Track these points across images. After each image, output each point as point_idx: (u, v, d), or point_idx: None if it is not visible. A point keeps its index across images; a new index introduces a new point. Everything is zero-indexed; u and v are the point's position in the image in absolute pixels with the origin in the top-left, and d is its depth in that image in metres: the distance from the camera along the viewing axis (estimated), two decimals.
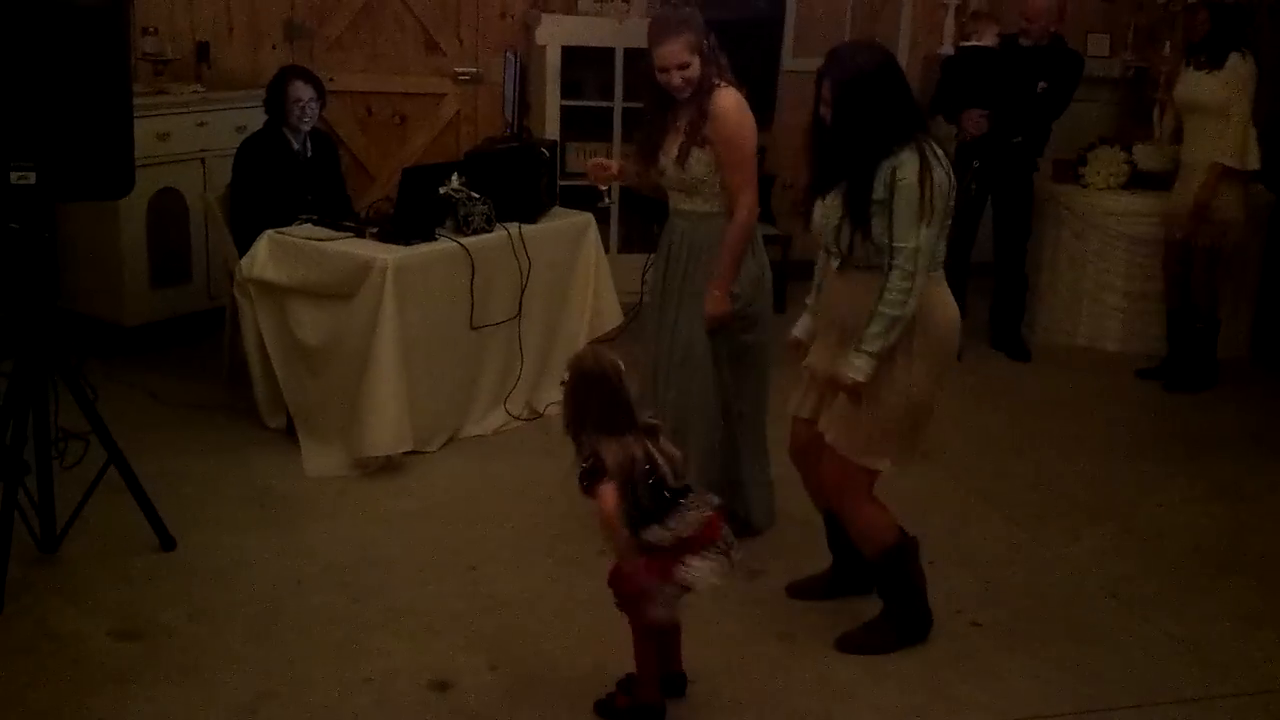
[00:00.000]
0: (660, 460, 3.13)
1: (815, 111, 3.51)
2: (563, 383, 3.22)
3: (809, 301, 3.78)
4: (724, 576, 3.17)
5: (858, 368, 3.40)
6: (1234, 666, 3.68)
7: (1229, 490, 4.91)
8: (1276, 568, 4.29)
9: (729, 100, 3.97)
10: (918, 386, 3.46)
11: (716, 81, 3.98)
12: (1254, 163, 5.74)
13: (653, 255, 4.32)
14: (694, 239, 4.10)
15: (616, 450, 3.08)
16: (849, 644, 3.65)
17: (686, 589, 3.14)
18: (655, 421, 3.20)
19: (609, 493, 3.06)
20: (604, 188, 4.35)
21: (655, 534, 3.10)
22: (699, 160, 3.99)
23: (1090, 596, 4.07)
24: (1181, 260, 5.98)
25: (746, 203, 4.00)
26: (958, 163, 6.16)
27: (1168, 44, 6.23)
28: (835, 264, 3.53)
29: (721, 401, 4.16)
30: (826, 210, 3.49)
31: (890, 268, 3.35)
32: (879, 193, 3.35)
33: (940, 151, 3.41)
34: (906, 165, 3.32)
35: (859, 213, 3.37)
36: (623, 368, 3.15)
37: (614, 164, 4.38)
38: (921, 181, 3.32)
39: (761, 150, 4.40)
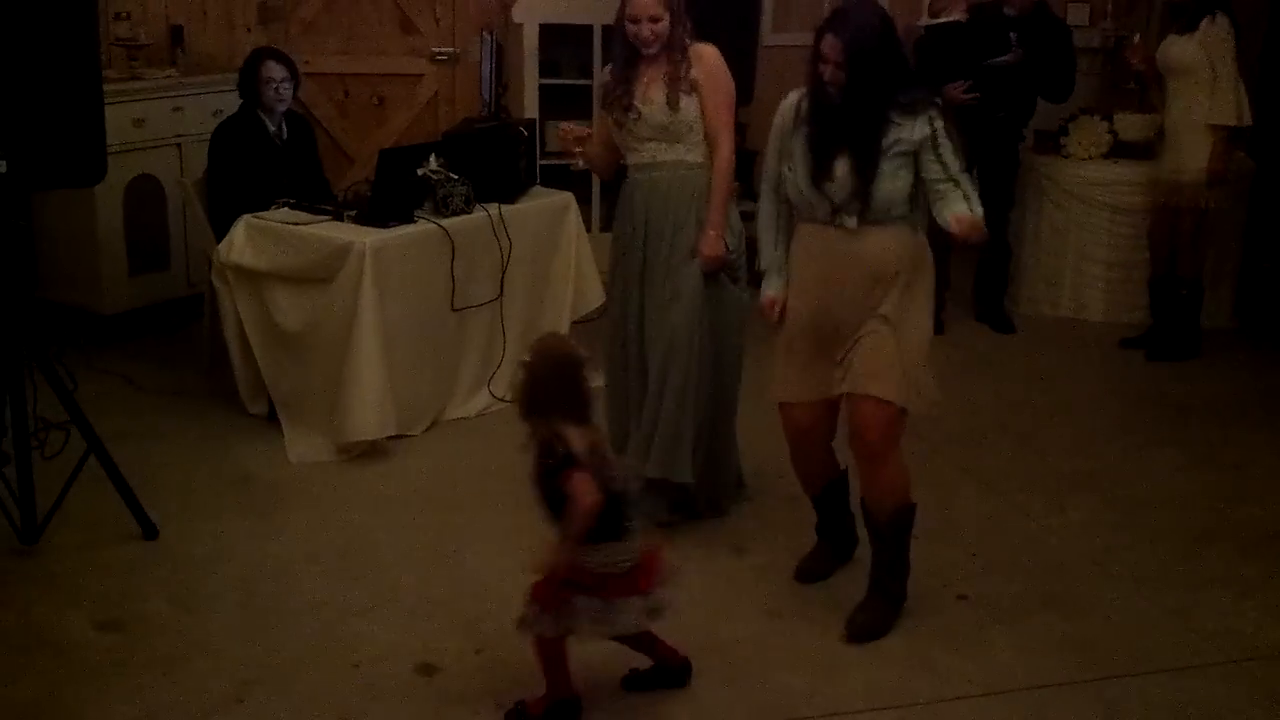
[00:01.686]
0: (621, 474, 3.04)
1: (814, 74, 3.49)
2: (523, 363, 3.09)
3: (772, 261, 3.75)
4: (636, 628, 3.09)
5: (979, 217, 3.45)
6: (1221, 634, 3.69)
7: (1214, 459, 4.92)
8: (1262, 536, 4.30)
9: (711, 49, 4.09)
10: (928, 326, 3.58)
11: (688, 40, 4.05)
12: (1247, 118, 5.72)
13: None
14: (678, 190, 4.08)
15: (583, 438, 2.97)
16: (861, 633, 3.60)
17: (569, 629, 3.04)
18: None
19: (586, 481, 2.92)
20: (578, 150, 4.31)
21: (597, 557, 2.99)
22: (689, 106, 4.03)
23: (1076, 567, 4.07)
24: (1170, 228, 5.97)
25: (730, 144, 4.07)
26: None
27: (1137, 35, 6.21)
28: (850, 223, 3.49)
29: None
30: (838, 181, 3.47)
31: (958, 188, 3.45)
32: (907, 147, 3.42)
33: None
34: (936, 118, 3.44)
35: (872, 168, 3.42)
36: (586, 361, 3.07)
37: (580, 130, 4.32)
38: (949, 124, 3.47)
39: (742, 127, 4.39)
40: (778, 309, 3.71)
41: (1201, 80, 5.68)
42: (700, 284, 4.07)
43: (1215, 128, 5.68)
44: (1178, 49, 5.73)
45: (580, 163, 4.40)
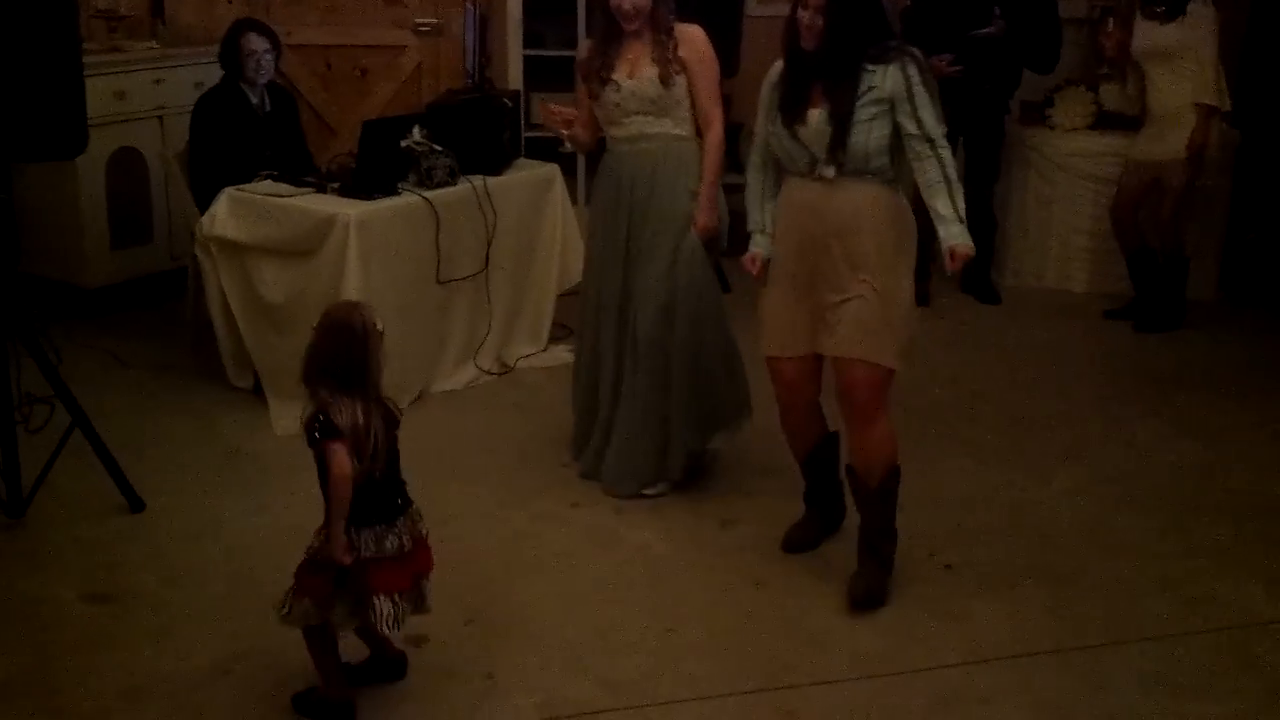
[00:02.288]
0: (395, 457, 2.96)
1: (791, 20, 3.51)
2: (314, 328, 2.99)
3: (757, 224, 3.77)
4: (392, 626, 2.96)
5: (965, 234, 3.46)
6: (1207, 602, 3.71)
7: (1200, 429, 4.94)
8: (1248, 505, 4.32)
9: (697, 29, 4.13)
10: (911, 287, 3.59)
11: (672, 18, 4.08)
12: (1226, 103, 5.76)
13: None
14: (667, 162, 4.11)
15: (349, 411, 2.87)
16: (865, 599, 3.60)
17: (325, 618, 2.95)
18: (399, 414, 3.02)
19: (341, 453, 2.83)
20: (565, 133, 4.30)
21: (362, 540, 2.91)
22: (679, 83, 4.06)
23: (1062, 536, 4.09)
24: (1135, 205, 5.99)
25: (721, 121, 4.13)
26: None
27: (1110, 21, 6.19)
28: (829, 172, 3.50)
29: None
30: (813, 128, 3.49)
31: (933, 154, 3.44)
32: (881, 94, 3.42)
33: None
34: (910, 66, 3.44)
35: (847, 115, 3.43)
36: (380, 333, 2.97)
37: (565, 110, 4.31)
38: (928, 79, 3.47)
39: (726, 99, 4.39)
40: (759, 264, 3.74)
41: (1184, 65, 5.68)
42: (692, 252, 4.10)
43: (1199, 106, 5.69)
44: (1159, 36, 5.73)
45: (568, 145, 4.40)
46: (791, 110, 3.53)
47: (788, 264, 3.64)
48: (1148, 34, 5.77)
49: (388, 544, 2.93)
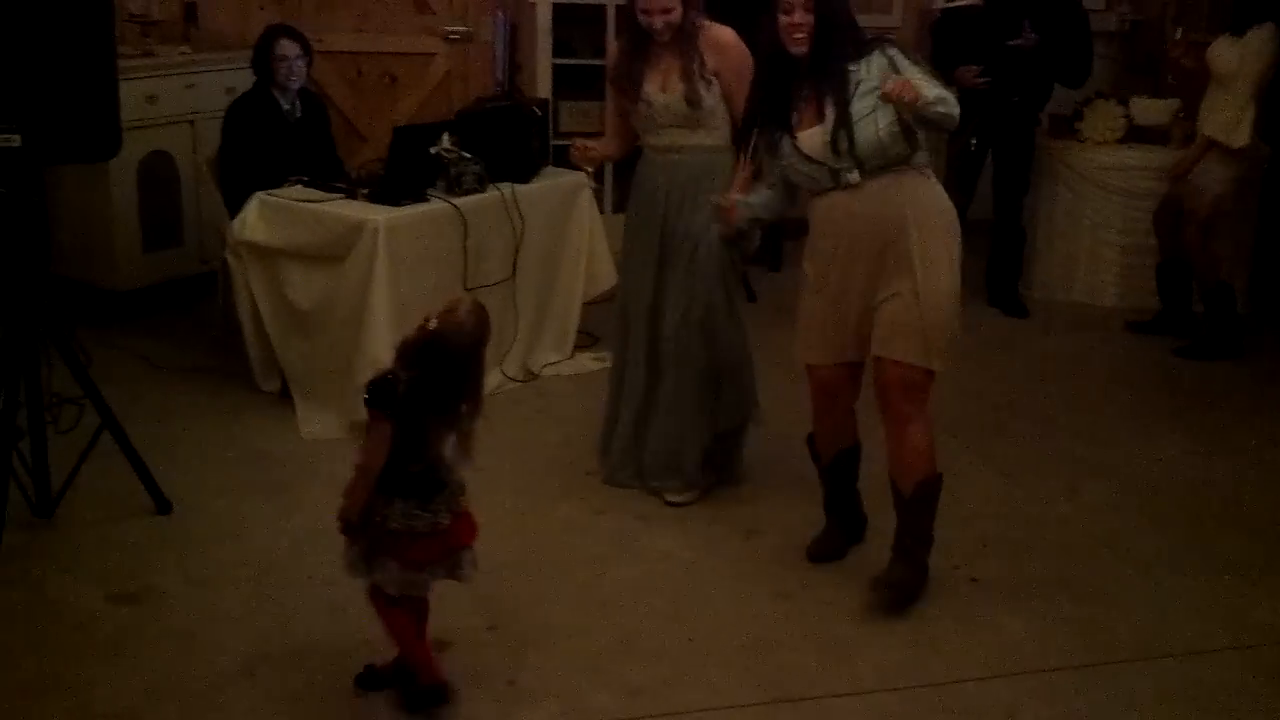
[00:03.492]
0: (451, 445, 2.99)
1: (771, 28, 3.50)
2: (432, 322, 2.95)
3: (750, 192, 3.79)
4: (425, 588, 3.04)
5: (923, 87, 3.35)
6: (1232, 620, 3.68)
7: (1227, 445, 4.90)
8: (1274, 522, 4.29)
9: (729, 34, 4.08)
10: (951, 277, 3.52)
11: (699, 22, 4.05)
12: (1240, 140, 5.67)
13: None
14: (701, 173, 4.10)
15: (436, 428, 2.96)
16: (898, 598, 3.61)
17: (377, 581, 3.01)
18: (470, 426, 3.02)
19: (378, 434, 2.90)
20: (590, 170, 4.34)
21: (394, 512, 2.95)
22: (710, 94, 4.04)
23: (1088, 551, 4.06)
24: (1174, 214, 5.95)
25: None
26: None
27: (1179, 30, 6.16)
28: (852, 177, 3.49)
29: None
30: (811, 137, 3.49)
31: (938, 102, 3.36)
32: (871, 84, 3.41)
33: None
34: (889, 49, 3.47)
35: (849, 117, 3.42)
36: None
37: (596, 146, 4.35)
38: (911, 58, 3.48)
39: None
40: (733, 211, 3.77)
41: (1231, 89, 5.64)
42: (708, 259, 4.09)
43: (1203, 135, 5.68)
44: (1221, 54, 5.68)
45: (594, 184, 4.45)
46: (779, 120, 3.55)
47: (827, 272, 3.61)
48: (1216, 48, 5.72)
49: (419, 522, 2.96)
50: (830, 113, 3.46)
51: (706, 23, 4.09)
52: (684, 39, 4.04)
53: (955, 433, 4.85)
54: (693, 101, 4.03)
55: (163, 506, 4.06)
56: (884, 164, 3.47)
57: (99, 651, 3.34)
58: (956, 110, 3.40)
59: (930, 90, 3.33)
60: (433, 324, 2.93)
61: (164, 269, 5.88)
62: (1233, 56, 5.63)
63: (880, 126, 3.43)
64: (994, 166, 6.29)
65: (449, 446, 3.02)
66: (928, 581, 3.70)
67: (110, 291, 5.75)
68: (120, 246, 5.69)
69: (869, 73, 3.44)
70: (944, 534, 3.91)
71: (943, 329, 3.51)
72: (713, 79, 4.04)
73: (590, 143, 4.36)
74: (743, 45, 4.06)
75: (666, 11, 3.97)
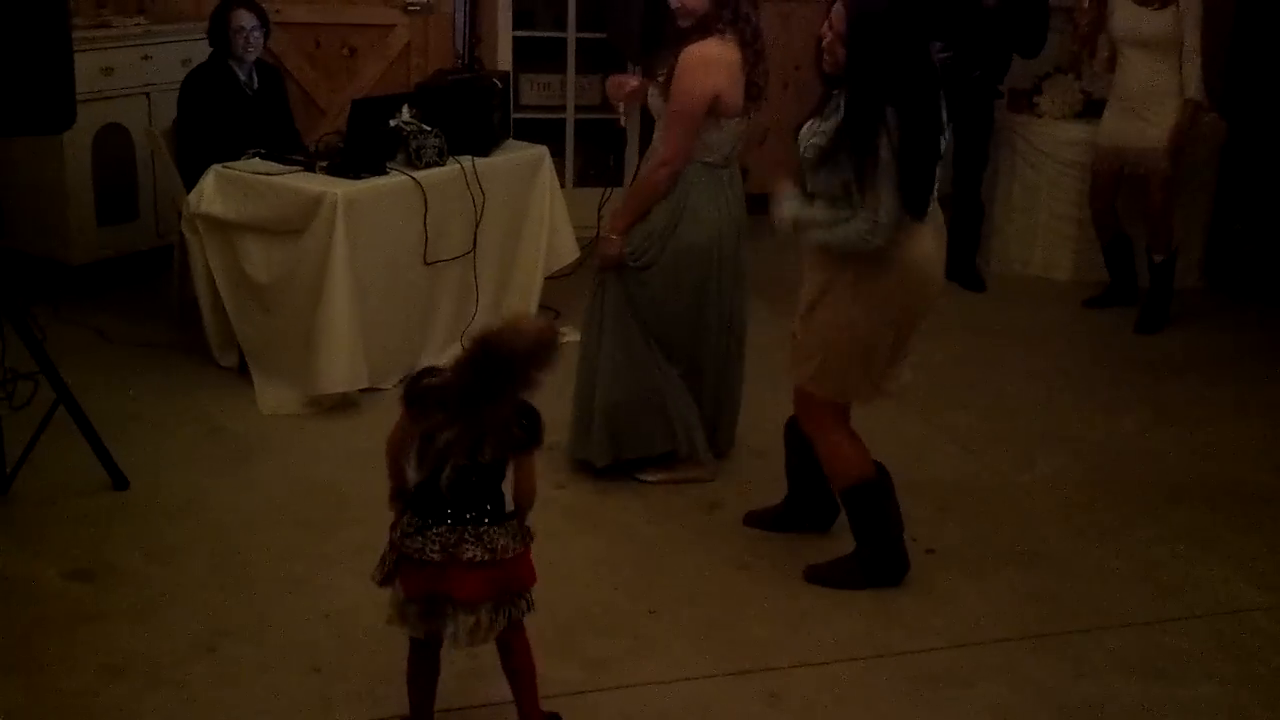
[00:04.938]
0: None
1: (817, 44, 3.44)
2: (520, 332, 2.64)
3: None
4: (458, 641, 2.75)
5: (788, 209, 3.43)
6: (1185, 589, 3.74)
7: (1182, 417, 4.96)
8: (1228, 493, 4.35)
9: (696, 53, 3.85)
10: (860, 327, 3.45)
11: (720, 28, 3.86)
12: (1198, 92, 5.73)
13: (609, 190, 4.29)
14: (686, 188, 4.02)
15: (438, 422, 2.66)
16: (815, 575, 3.68)
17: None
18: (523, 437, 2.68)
19: (399, 423, 2.75)
20: (621, 107, 4.27)
21: (402, 526, 2.75)
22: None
23: (1043, 522, 4.11)
24: (1112, 193, 6.00)
25: (662, 158, 3.94)
26: None
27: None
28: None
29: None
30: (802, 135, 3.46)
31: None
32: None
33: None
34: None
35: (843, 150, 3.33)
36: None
37: (631, 80, 4.27)
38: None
39: None
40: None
41: (1168, 54, 5.68)
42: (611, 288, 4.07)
43: (1188, 101, 5.70)
44: (1148, 22, 5.70)
45: (624, 123, 4.34)
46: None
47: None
48: (1135, 18, 5.75)
49: (410, 543, 2.73)
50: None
51: (715, 34, 3.87)
52: (697, 32, 3.88)
53: (911, 405, 4.87)
54: (663, 94, 3.94)
55: (119, 482, 4.03)
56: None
57: (56, 628, 3.32)
58: (839, 238, 3.35)
59: (795, 210, 3.40)
60: (495, 327, 2.67)
61: (119, 243, 5.81)
62: (1166, 19, 5.66)
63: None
64: (954, 141, 6.30)
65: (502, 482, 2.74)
66: (856, 581, 3.65)
67: (64, 265, 5.68)
68: (75, 220, 5.62)
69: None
70: (902, 505, 3.93)
71: (834, 359, 3.49)
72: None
73: (626, 76, 4.23)
74: (697, 70, 3.84)
75: None
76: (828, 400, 3.57)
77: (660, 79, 3.98)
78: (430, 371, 2.75)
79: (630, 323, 4.08)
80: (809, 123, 3.45)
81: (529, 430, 2.69)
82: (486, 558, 2.69)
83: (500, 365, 2.59)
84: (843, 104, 3.32)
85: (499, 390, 2.62)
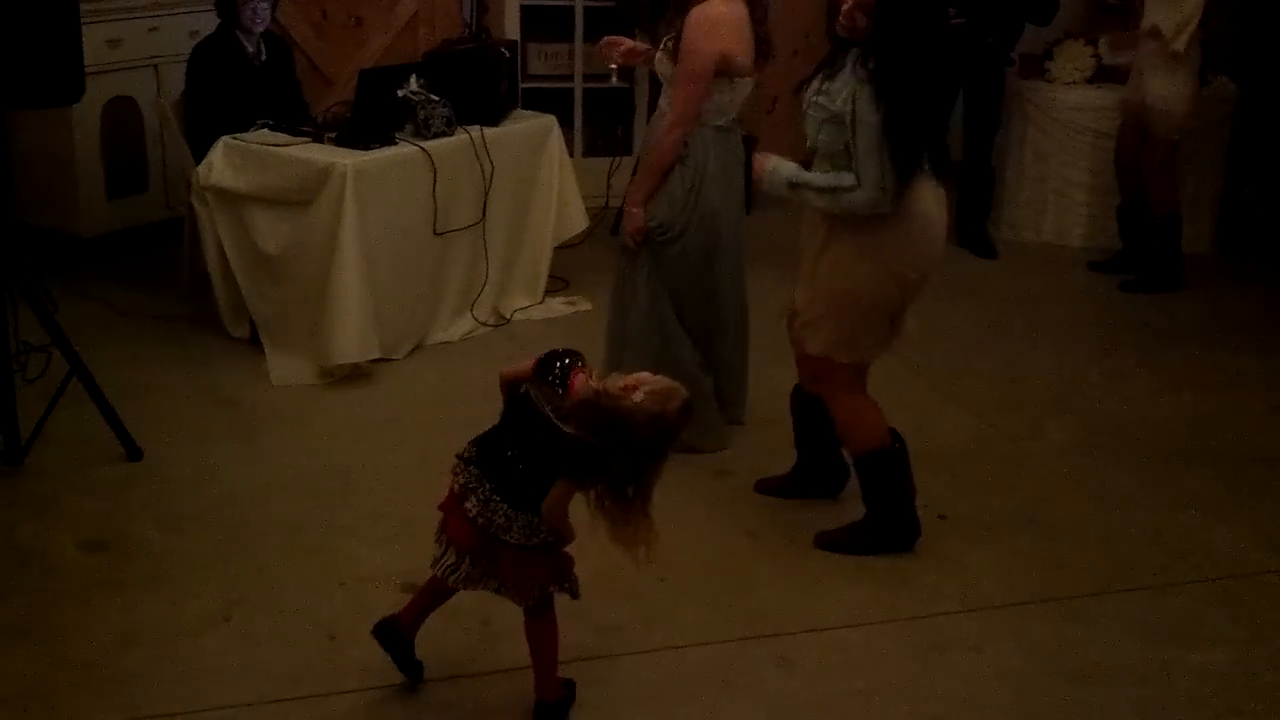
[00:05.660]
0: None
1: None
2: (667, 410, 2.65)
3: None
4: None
5: (779, 172, 3.44)
6: (1195, 554, 3.74)
7: (1192, 383, 4.96)
8: (1238, 459, 4.35)
9: (703, 12, 3.85)
10: (865, 288, 3.46)
11: None
12: (1179, 44, 5.63)
13: (618, 160, 4.27)
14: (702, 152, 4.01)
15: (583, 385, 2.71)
16: (825, 541, 3.69)
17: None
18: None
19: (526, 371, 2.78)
20: (613, 65, 4.26)
21: (458, 467, 2.85)
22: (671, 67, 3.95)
23: (1054, 488, 4.11)
24: (1134, 148, 5.97)
25: (672, 120, 3.93)
26: None
27: None
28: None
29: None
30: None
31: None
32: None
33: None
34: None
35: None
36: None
37: (625, 40, 4.26)
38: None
39: None
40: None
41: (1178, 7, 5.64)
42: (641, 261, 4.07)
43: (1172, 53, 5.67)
44: None
45: (616, 80, 4.32)
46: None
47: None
48: None
49: (456, 467, 2.88)
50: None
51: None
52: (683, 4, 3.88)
53: (923, 372, 4.89)
54: (671, 57, 3.94)
55: (133, 453, 4.05)
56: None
57: (71, 598, 3.35)
58: (845, 205, 3.36)
59: (792, 173, 3.41)
60: (639, 397, 2.65)
61: (129, 215, 5.82)
62: None
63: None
64: (965, 107, 6.28)
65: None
66: (867, 547, 3.67)
67: (75, 238, 5.69)
68: (84, 193, 5.63)
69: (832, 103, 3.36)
70: (913, 472, 3.94)
71: (841, 319, 3.51)
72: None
73: (620, 37, 4.23)
74: (704, 30, 3.83)
75: None
76: (842, 365, 3.57)
77: (668, 43, 3.97)
78: (576, 358, 2.76)
79: (660, 295, 4.09)
80: (814, 81, 3.45)
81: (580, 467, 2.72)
82: (481, 521, 2.79)
83: (612, 432, 2.63)
84: (854, 65, 3.31)
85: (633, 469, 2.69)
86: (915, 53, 3.27)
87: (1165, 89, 5.71)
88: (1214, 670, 3.22)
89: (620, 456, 2.66)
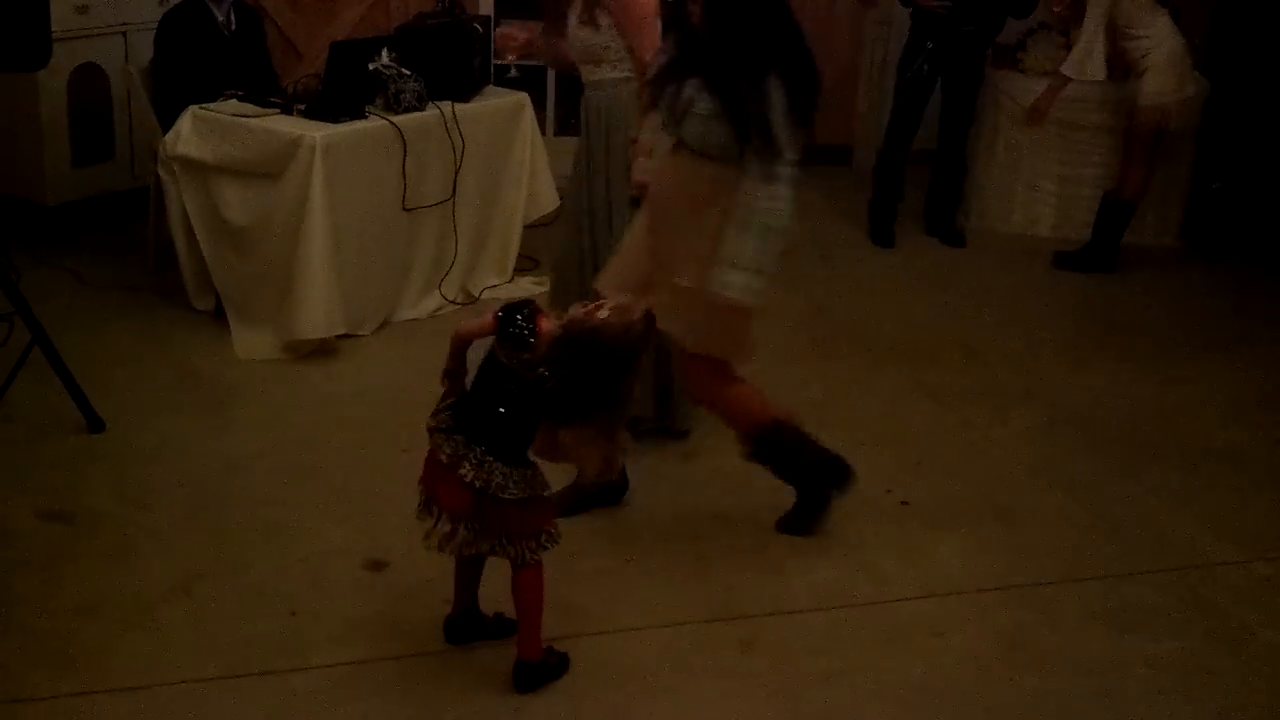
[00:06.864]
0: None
1: None
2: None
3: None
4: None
5: (735, 286, 3.27)
6: (1157, 544, 3.78)
7: (1157, 375, 4.99)
8: (1201, 450, 4.39)
9: None
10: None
11: None
12: (1092, 74, 5.87)
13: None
14: (610, 109, 3.91)
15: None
16: (783, 525, 3.70)
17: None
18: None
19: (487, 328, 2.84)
20: (511, 58, 4.20)
21: (438, 438, 2.89)
22: (604, 24, 3.80)
23: (1017, 477, 4.14)
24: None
25: (649, 61, 3.77)
26: (911, 43, 6.13)
27: None
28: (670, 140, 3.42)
29: None
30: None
31: (772, 175, 3.24)
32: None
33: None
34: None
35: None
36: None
37: (521, 35, 4.22)
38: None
39: None
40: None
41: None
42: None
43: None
44: None
45: (514, 73, 4.26)
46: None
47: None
48: None
49: (436, 438, 2.91)
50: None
51: None
52: None
53: (889, 359, 4.90)
54: (588, 24, 3.80)
55: (95, 425, 4.01)
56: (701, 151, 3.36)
57: (31, 569, 3.32)
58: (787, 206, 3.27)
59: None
60: (604, 314, 2.73)
61: (94, 184, 5.75)
62: None
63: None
64: (942, 96, 6.29)
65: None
66: (858, 505, 3.71)
67: (39, 206, 5.62)
68: (49, 160, 5.56)
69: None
70: (877, 458, 3.98)
71: (714, 317, 3.40)
72: (604, 8, 3.79)
73: (515, 31, 4.20)
74: None
75: None
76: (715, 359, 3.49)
77: (580, 16, 3.82)
78: (531, 309, 2.81)
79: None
80: (684, 84, 3.31)
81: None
82: (479, 485, 2.81)
83: (588, 356, 2.71)
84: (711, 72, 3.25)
85: (604, 387, 2.75)
86: (763, 48, 3.22)
87: (1157, 84, 5.78)
88: (1172, 660, 3.25)
89: (598, 376, 2.73)
